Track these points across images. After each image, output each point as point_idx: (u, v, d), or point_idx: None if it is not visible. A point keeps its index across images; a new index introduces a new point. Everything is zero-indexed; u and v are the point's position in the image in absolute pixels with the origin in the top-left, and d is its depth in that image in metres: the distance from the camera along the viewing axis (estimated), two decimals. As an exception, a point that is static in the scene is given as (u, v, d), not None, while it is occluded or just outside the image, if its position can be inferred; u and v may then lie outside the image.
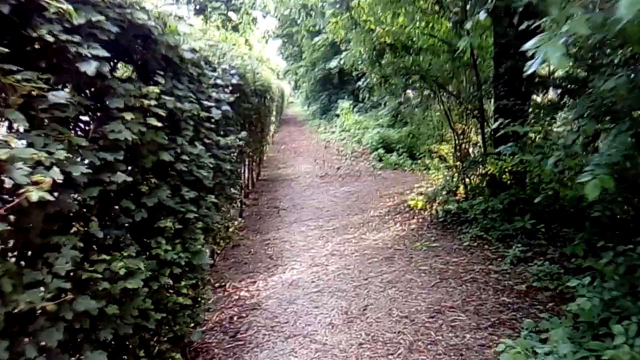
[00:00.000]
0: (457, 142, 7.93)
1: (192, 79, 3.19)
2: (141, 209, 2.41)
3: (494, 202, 6.32)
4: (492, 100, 7.44)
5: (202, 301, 3.69)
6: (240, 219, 6.60)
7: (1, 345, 1.49)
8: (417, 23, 7.34)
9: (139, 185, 2.41)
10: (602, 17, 2.12)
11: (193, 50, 3.08)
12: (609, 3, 2.17)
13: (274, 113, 14.77)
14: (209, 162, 3.49)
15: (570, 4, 2.17)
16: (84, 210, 1.91)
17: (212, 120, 3.63)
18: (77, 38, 1.73)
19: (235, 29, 24.07)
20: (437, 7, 7.50)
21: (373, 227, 7.03)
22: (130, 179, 2.05)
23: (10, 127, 1.71)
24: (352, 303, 4.51)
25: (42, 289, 1.59)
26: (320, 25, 16.81)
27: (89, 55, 1.76)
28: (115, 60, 2.40)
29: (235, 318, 4.34)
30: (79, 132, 2.07)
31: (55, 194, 1.65)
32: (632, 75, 3.07)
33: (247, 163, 8.17)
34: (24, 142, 1.58)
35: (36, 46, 1.71)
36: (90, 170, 1.78)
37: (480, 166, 7.12)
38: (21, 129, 1.60)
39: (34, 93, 1.57)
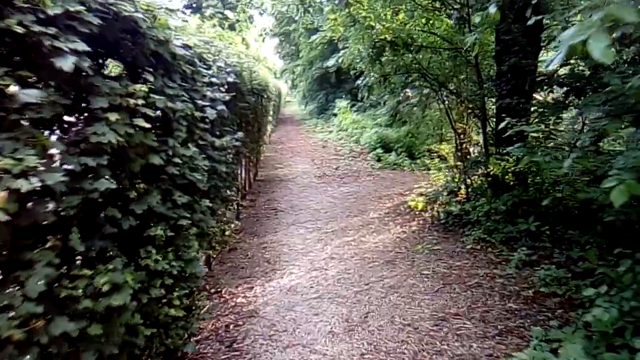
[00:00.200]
0: (458, 141, 7.77)
1: (185, 76, 3.02)
2: (129, 217, 2.23)
3: (497, 204, 6.16)
4: (494, 99, 7.29)
5: (197, 310, 3.51)
6: (237, 222, 6.43)
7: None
8: (417, 20, 7.18)
9: (126, 191, 2.23)
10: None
11: (186, 47, 2.91)
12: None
13: (271, 112, 14.59)
14: (204, 165, 3.31)
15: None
16: (63, 221, 1.73)
17: (207, 120, 3.46)
18: (52, 30, 1.55)
19: (232, 27, 23.89)
20: (437, 4, 7.34)
21: (373, 229, 6.86)
22: (114, 185, 1.87)
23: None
24: (353, 310, 4.34)
25: (12, 313, 1.42)
26: (318, 22, 16.63)
27: (67, 49, 1.58)
28: (105, 57, 2.22)
29: (231, 326, 4.16)
30: (61, 135, 1.89)
31: (30, 204, 1.48)
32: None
33: (243, 164, 7.98)
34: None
35: (7, 39, 1.52)
36: (67, 178, 1.60)
37: (482, 167, 6.97)
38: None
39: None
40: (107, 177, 1.88)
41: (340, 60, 12.50)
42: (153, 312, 2.58)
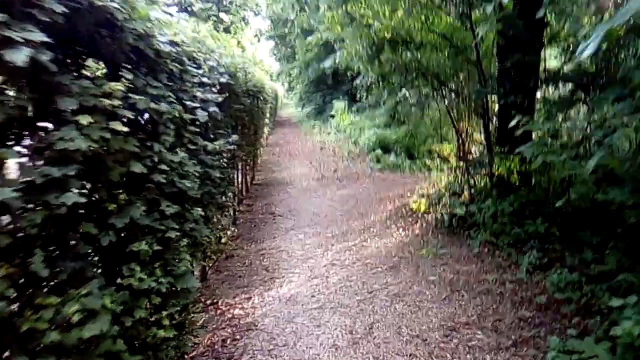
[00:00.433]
0: (460, 141, 7.55)
1: (173, 76, 2.79)
2: (108, 232, 2.00)
3: (503, 205, 5.93)
4: (496, 97, 7.07)
5: (190, 326, 3.27)
6: (233, 228, 6.20)
7: None
8: (416, 17, 6.95)
9: (105, 203, 2.00)
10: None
11: (173, 44, 2.67)
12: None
13: (268, 115, 14.35)
14: (195, 171, 3.08)
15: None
16: (23, 242, 1.49)
17: (198, 123, 3.22)
18: (2, 17, 1.32)
19: (227, 30, 23.69)
20: (436, 0, 7.12)
21: (374, 233, 6.63)
22: (84, 199, 1.64)
23: None
24: (357, 320, 4.11)
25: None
26: (314, 23, 16.41)
27: (20, 39, 1.34)
28: (76, 53, 1.98)
29: (228, 341, 3.92)
30: (22, 143, 1.65)
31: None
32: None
33: (240, 167, 7.75)
34: None
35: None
36: (21, 194, 1.37)
37: (486, 166, 6.74)
38: None
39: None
40: (77, 189, 1.64)
41: (337, 61, 12.26)
42: (139, 334, 2.34)
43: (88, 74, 2.04)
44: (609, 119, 3.21)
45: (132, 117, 2.03)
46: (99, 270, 2.08)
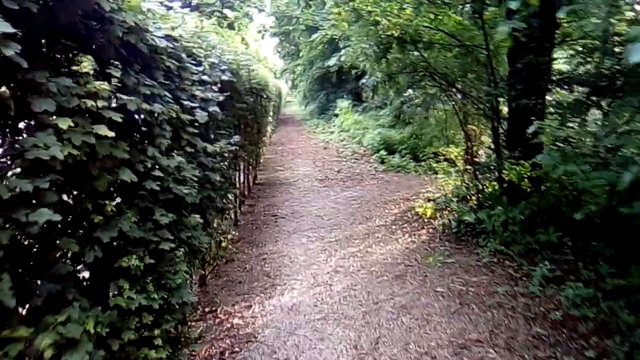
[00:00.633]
0: (469, 144, 7.32)
1: (170, 74, 2.58)
2: (94, 247, 1.79)
3: (514, 212, 5.71)
4: (503, 100, 6.85)
5: (186, 341, 3.07)
6: (234, 232, 6.00)
7: None
8: (425, 15, 6.72)
9: (90, 215, 1.79)
10: None
11: (170, 38, 2.46)
12: None
13: (271, 113, 14.13)
14: (193, 175, 2.87)
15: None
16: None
17: (197, 124, 3.02)
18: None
19: (231, 26, 23.44)
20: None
21: (379, 238, 6.41)
22: (58, 217, 1.43)
23: None
24: (362, 334, 3.90)
25: None
26: (319, 20, 16.17)
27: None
28: (58, 48, 1.77)
29: (227, 353, 3.72)
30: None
31: None
32: None
33: (242, 167, 7.54)
34: None
35: None
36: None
37: (496, 171, 6.52)
38: None
39: None
40: (54, 202, 1.43)
41: (342, 59, 12.03)
42: (129, 357, 2.13)
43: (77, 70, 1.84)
44: (622, 125, 2.99)
45: (123, 119, 1.82)
46: (84, 289, 1.88)
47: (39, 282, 1.52)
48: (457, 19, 7.09)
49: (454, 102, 8.04)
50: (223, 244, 4.92)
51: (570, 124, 5.10)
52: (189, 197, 2.76)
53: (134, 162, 2.09)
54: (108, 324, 1.87)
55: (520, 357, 3.46)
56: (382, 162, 12.02)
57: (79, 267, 1.92)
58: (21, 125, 1.59)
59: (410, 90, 10.15)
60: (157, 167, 2.31)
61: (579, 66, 5.97)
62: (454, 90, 7.71)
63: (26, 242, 1.44)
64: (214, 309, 4.44)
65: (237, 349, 3.76)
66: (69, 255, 1.72)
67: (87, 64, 2.07)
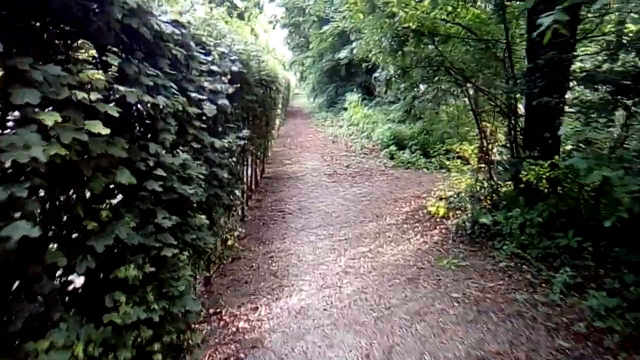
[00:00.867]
0: (485, 142, 7.06)
1: (176, 63, 2.36)
2: (87, 257, 1.59)
3: (531, 215, 5.47)
4: (519, 96, 6.60)
5: (189, 348, 2.87)
6: (240, 228, 5.79)
7: None
8: (443, 7, 6.46)
9: (83, 221, 1.59)
10: None
11: (177, 24, 2.24)
12: None
13: (280, 105, 13.90)
14: (199, 173, 2.67)
15: None
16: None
17: (204, 117, 2.81)
18: None
19: (240, 17, 23.20)
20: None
21: (391, 238, 6.19)
22: (37, 232, 1.22)
23: None
24: (374, 342, 3.69)
25: None
26: (330, 12, 15.87)
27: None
28: (49, 31, 1.56)
29: (231, 359, 3.53)
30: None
31: None
32: None
33: (250, 161, 7.34)
34: None
35: None
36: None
37: (513, 171, 6.27)
38: None
39: None
40: (36, 211, 1.23)
41: (354, 52, 11.76)
42: (124, 374, 1.94)
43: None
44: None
45: (122, 112, 1.61)
46: (75, 303, 1.68)
47: (18, 303, 1.32)
48: (476, 12, 6.83)
49: (468, 98, 7.78)
50: (229, 242, 4.72)
51: (593, 124, 4.87)
52: (194, 196, 2.55)
53: (134, 161, 1.89)
54: (101, 342, 1.67)
55: (544, 373, 3.25)
56: (392, 158, 11.80)
57: (70, 278, 1.72)
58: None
59: (422, 85, 9.91)
60: (160, 165, 2.11)
61: (603, 63, 5.70)
62: (469, 85, 7.46)
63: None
64: (218, 310, 4.25)
65: (242, 356, 3.57)
66: (57, 268, 1.51)
67: (85, 52, 1.86)
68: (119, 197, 2.02)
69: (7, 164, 1.17)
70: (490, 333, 3.78)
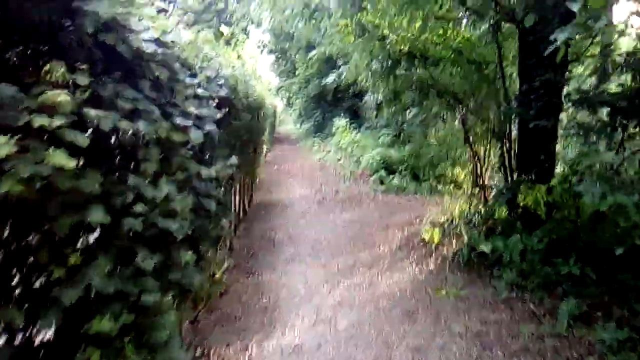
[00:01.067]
0: (478, 166, 6.93)
1: (158, 85, 2.15)
2: (51, 310, 1.35)
3: (531, 241, 5.29)
4: (511, 119, 6.53)
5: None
6: (229, 260, 5.52)
7: None
8: (434, 31, 6.40)
9: (46, 269, 1.35)
10: None
11: (159, 43, 2.04)
12: None
13: (267, 131, 13.73)
14: (185, 205, 2.44)
15: None
16: None
17: (190, 145, 2.59)
18: None
19: (227, 43, 23.17)
20: (456, 13, 6.57)
21: (385, 266, 5.96)
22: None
23: None
24: (374, 384, 3.44)
25: None
26: (317, 38, 15.88)
27: None
28: (45, 57, 1.35)
29: (219, 408, 3.24)
30: None
31: None
32: None
33: (238, 190, 7.10)
34: None
35: None
36: None
37: (509, 196, 6.11)
38: None
39: None
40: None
41: (342, 76, 11.68)
42: None
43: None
44: None
45: (96, 140, 1.39)
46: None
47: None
48: (466, 35, 6.78)
49: (460, 121, 7.69)
50: (217, 276, 4.46)
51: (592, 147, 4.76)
52: (179, 231, 2.32)
53: (110, 194, 1.66)
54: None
55: (559, 416, 3.01)
56: (382, 183, 11.61)
57: (34, 333, 1.46)
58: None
59: (413, 109, 9.83)
60: (140, 198, 1.88)
61: (600, 84, 5.62)
62: (461, 108, 7.37)
63: None
64: (205, 351, 3.94)
65: (232, 402, 3.29)
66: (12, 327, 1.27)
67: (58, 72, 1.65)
68: (95, 234, 1.78)
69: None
70: (497, 371, 3.54)
